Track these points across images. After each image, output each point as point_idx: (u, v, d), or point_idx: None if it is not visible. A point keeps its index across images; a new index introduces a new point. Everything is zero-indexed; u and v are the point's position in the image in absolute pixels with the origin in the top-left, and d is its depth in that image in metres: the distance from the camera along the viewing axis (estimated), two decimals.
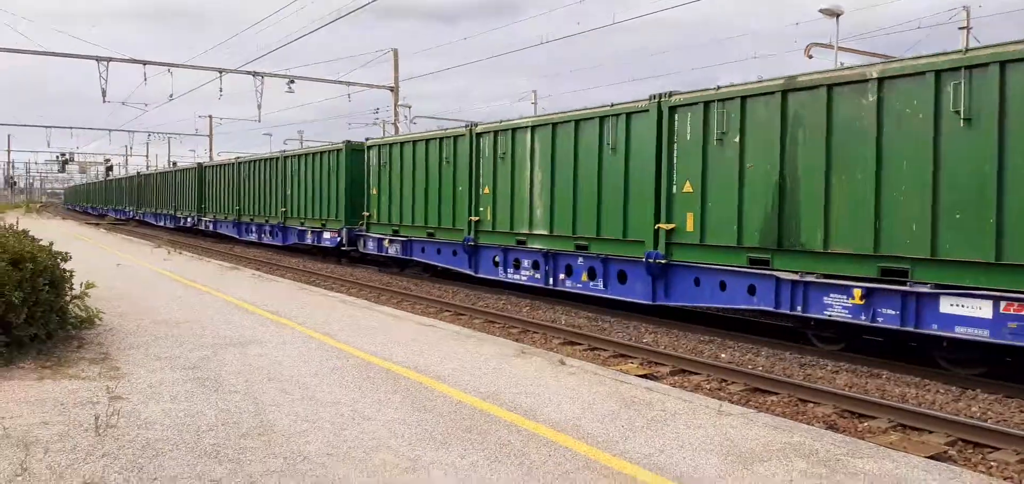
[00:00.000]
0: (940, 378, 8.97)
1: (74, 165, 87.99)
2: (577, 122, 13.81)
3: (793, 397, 8.35)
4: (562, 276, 14.27)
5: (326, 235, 23.46)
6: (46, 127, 64.41)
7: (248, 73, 32.49)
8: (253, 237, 29.97)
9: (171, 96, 34.44)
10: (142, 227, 48.08)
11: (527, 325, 12.79)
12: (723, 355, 10.47)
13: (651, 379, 8.69)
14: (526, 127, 15.15)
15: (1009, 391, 8.37)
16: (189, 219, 38.74)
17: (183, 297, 13.18)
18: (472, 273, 16.95)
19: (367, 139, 21.57)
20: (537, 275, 14.85)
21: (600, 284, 13.42)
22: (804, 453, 5.38)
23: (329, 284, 18.68)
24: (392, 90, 36.78)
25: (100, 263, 18.95)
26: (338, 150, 23.03)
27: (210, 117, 63.03)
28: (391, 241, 19.95)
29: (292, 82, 33.81)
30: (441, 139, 18.11)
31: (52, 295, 8.36)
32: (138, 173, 56.88)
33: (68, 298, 9.01)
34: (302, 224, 25.36)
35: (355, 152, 22.38)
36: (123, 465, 4.87)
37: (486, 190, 16.34)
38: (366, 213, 21.08)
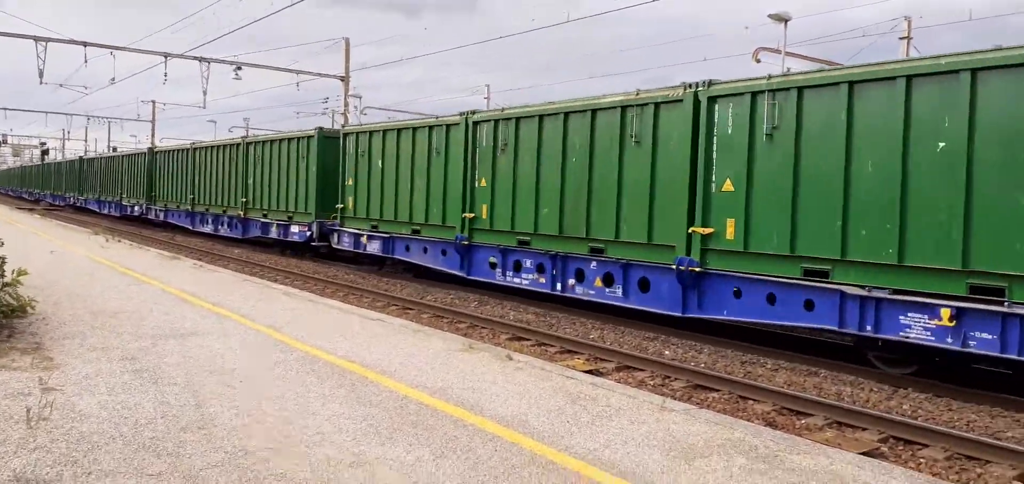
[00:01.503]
0: (874, 377, 9.27)
1: (7, 147, 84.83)
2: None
3: (734, 394, 8.53)
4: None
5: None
6: None
7: (194, 58, 31.71)
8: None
9: (112, 79, 33.25)
10: (81, 214, 46.60)
11: (475, 320, 12.79)
12: (667, 352, 10.63)
13: (597, 375, 8.78)
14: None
15: (938, 390, 8.70)
16: (137, 208, 36.07)
17: (121, 286, 12.83)
18: None
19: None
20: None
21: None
22: (744, 449, 5.50)
23: (272, 275, 18.39)
24: (343, 80, 36.36)
25: (33, 250, 18.32)
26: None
27: (153, 102, 61.34)
28: None
29: (239, 69, 33.13)
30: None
31: None
32: (80, 157, 52.98)
33: None
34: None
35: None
36: (56, 458, 4.73)
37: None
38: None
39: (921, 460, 6.67)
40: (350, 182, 19.69)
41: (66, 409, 5.71)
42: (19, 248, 16.38)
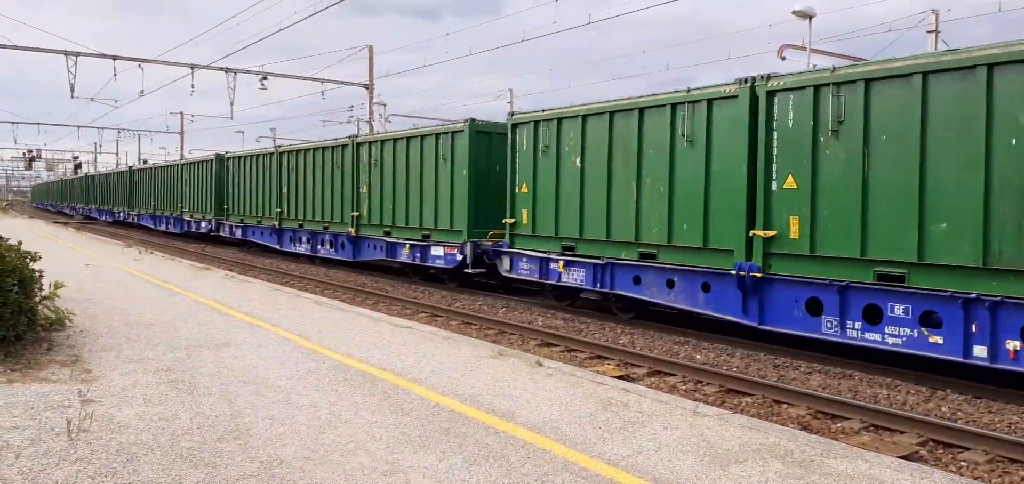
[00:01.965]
0: (911, 379, 9.12)
1: (41, 162, 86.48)
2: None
3: (768, 398, 8.44)
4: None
5: None
6: (12, 123, 63.04)
7: (221, 69, 32.15)
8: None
9: (142, 92, 33.85)
10: (116, 227, 47.27)
11: (504, 326, 12.79)
12: (698, 356, 10.55)
13: (628, 380, 8.74)
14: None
15: (978, 392, 8.54)
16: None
17: (155, 298, 13.01)
18: None
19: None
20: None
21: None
22: (779, 454, 5.44)
23: (302, 285, 18.54)
24: (367, 87, 36.62)
25: (69, 264, 18.65)
26: None
27: (181, 114, 62.30)
28: None
29: (265, 79, 33.51)
30: None
31: (21, 296, 8.22)
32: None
33: (37, 299, 8.85)
34: None
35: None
36: (97, 470, 4.80)
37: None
38: None
39: (962, 463, 6.54)
40: (524, 189, 14.71)
41: (105, 421, 5.80)
42: (55, 262, 16.69)
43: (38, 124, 61.90)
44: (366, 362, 8.16)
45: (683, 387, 9.01)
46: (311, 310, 12.09)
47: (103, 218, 51.87)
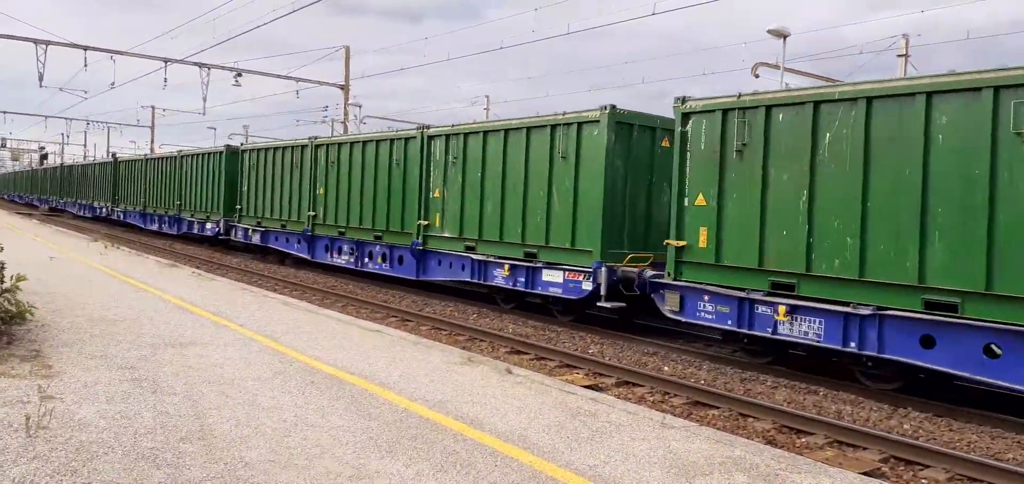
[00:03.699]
0: (874, 396, 9.25)
1: (6, 151, 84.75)
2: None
3: (734, 411, 8.51)
4: None
5: None
6: None
7: (194, 64, 31.76)
8: None
9: (112, 84, 33.30)
10: (77, 219, 46.48)
11: (474, 333, 12.77)
12: (666, 368, 10.62)
13: (596, 390, 8.77)
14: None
15: (938, 410, 8.68)
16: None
17: (120, 294, 12.80)
18: None
19: None
20: None
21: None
22: (744, 467, 5.49)
23: (271, 285, 18.36)
24: (342, 88, 36.41)
25: (32, 256, 18.28)
26: None
27: (152, 108, 61.43)
28: None
29: (239, 75, 33.16)
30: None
31: None
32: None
33: None
34: None
35: None
36: (55, 468, 4.70)
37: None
38: None
39: (922, 480, 6.65)
40: (701, 201, 10.98)
41: (65, 418, 5.69)
42: (17, 253, 16.34)
43: (3, 112, 60.46)
44: (334, 365, 8.10)
45: (651, 398, 9.06)
46: (279, 311, 11.97)
47: (82, 213, 49.58)
